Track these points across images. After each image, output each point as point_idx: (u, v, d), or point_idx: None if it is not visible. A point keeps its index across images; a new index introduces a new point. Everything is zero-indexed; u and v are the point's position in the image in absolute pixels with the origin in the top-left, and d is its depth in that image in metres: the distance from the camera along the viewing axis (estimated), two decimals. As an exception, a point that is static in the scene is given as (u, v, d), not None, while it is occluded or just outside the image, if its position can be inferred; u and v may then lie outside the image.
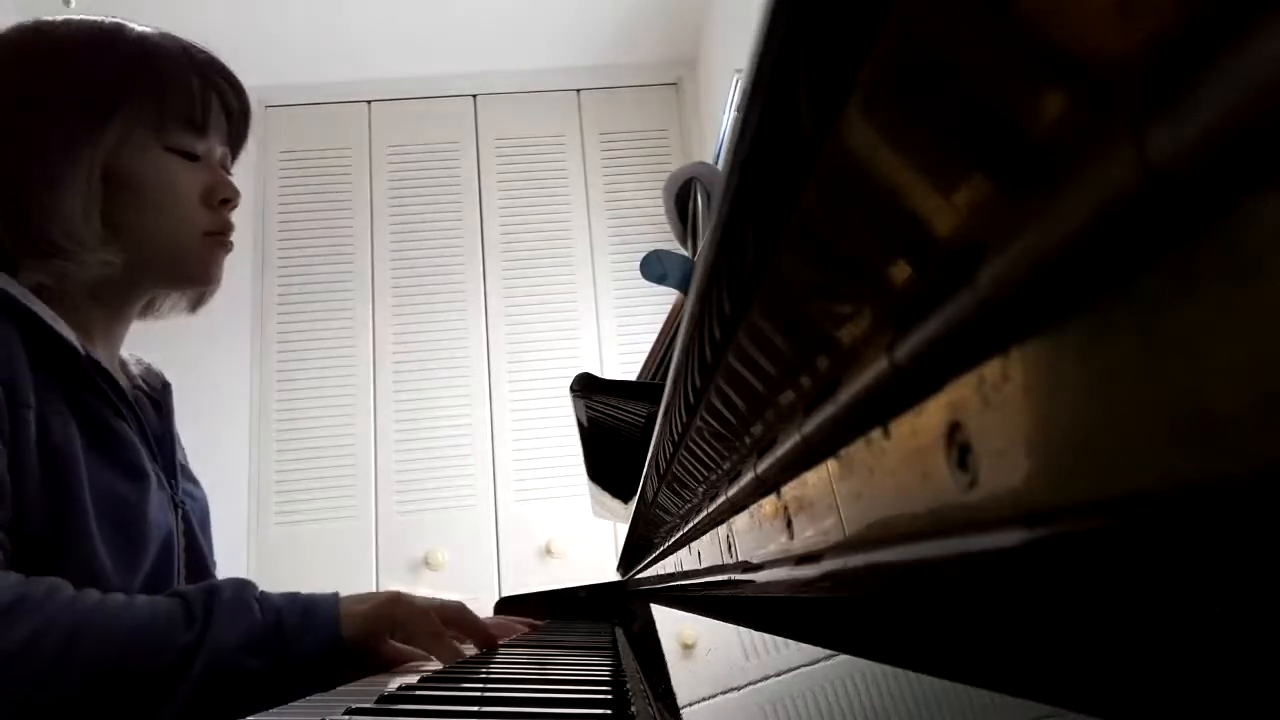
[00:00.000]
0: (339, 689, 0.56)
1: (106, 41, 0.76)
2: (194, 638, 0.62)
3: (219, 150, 0.81)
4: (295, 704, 0.48)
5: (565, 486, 2.52)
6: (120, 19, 0.78)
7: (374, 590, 0.78)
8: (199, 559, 0.83)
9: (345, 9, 2.57)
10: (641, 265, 0.61)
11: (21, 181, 0.71)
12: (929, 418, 0.14)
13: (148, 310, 0.87)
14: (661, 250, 0.62)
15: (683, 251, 0.64)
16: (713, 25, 2.59)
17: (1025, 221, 0.10)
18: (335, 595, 0.73)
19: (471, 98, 2.87)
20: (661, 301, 2.26)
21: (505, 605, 1.27)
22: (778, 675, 0.31)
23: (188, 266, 0.78)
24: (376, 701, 0.46)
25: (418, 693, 0.51)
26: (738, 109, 0.16)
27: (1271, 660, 0.08)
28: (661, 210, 0.64)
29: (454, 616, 0.80)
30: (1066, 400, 0.10)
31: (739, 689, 0.36)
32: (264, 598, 0.68)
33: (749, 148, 0.16)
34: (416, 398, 2.63)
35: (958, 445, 0.13)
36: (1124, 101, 0.08)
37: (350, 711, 0.43)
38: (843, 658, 0.25)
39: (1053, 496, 0.11)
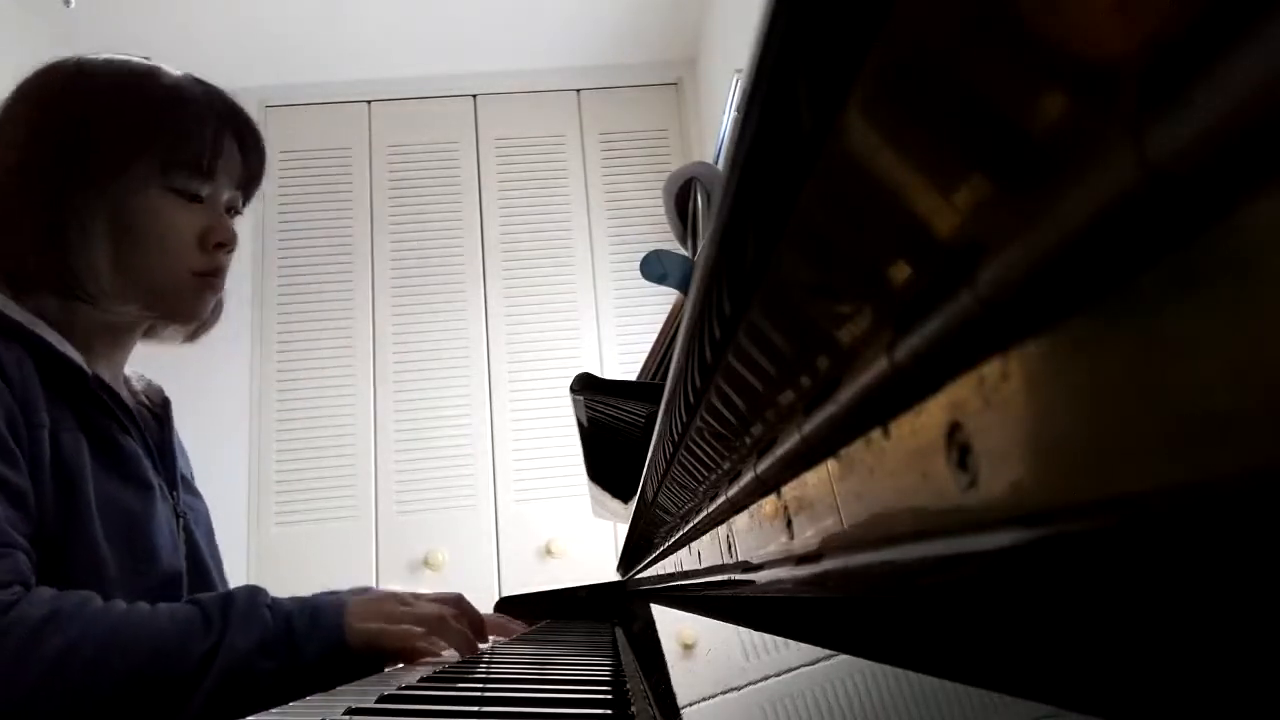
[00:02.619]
0: (339, 689, 0.56)
1: (135, 86, 0.78)
2: (211, 644, 0.66)
3: (226, 193, 0.82)
4: (295, 704, 0.48)
5: (565, 486, 2.52)
6: (153, 63, 0.80)
7: (377, 589, 0.80)
8: (201, 567, 0.87)
9: (345, 9, 2.57)
10: (641, 265, 0.61)
11: (56, 221, 0.74)
12: (929, 418, 0.14)
13: (148, 334, 0.89)
14: (661, 250, 0.62)
15: (683, 251, 0.64)
16: (713, 25, 2.59)
17: (1025, 221, 0.10)
18: (342, 600, 0.76)
19: (471, 98, 2.87)
20: (661, 301, 2.26)
21: (505, 605, 1.27)
22: (778, 675, 0.31)
23: (173, 303, 0.80)
24: (376, 701, 0.46)
25: (418, 693, 0.51)
26: (738, 109, 0.16)
27: (1271, 660, 0.08)
28: (661, 210, 0.64)
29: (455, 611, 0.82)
30: (1066, 400, 0.10)
31: (739, 689, 0.36)
32: (275, 603, 0.72)
33: (749, 148, 0.16)
34: (416, 398, 2.62)
35: (958, 445, 0.13)
36: (1124, 101, 0.08)
37: (350, 711, 0.43)
38: (843, 658, 0.25)
39: (1052, 497, 0.11)
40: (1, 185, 0.75)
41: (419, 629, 0.75)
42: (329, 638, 0.72)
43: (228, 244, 0.82)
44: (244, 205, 0.86)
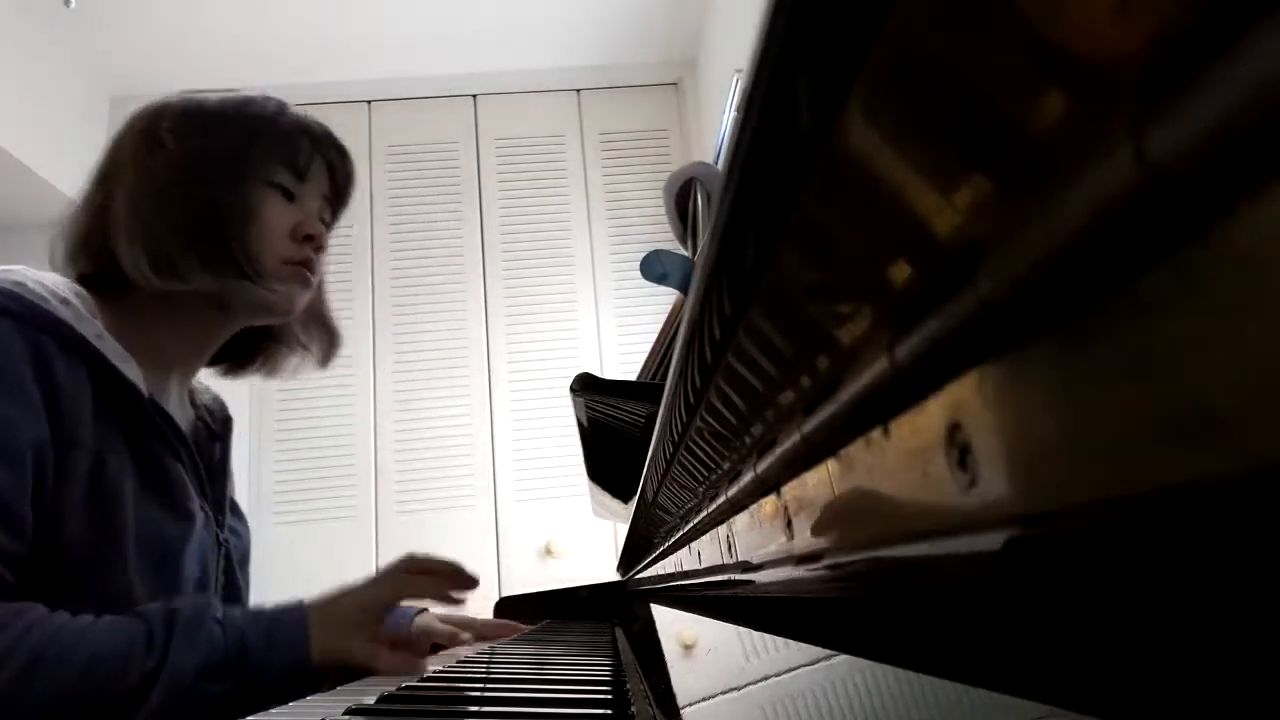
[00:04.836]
0: (339, 689, 0.57)
1: (252, 103, 0.89)
2: (153, 665, 0.61)
3: (316, 202, 0.90)
4: (295, 704, 0.48)
5: (565, 486, 2.52)
6: (257, 92, 0.93)
7: (346, 586, 0.76)
8: (236, 597, 0.86)
9: (345, 9, 2.57)
10: (641, 265, 0.61)
11: (215, 214, 0.80)
12: (929, 418, 0.14)
13: (270, 369, 0.96)
14: (661, 250, 0.62)
15: (683, 251, 0.63)
16: (713, 25, 2.59)
17: (1025, 221, 0.10)
18: (303, 613, 0.70)
19: (471, 98, 2.87)
20: (661, 301, 2.25)
21: (505, 605, 1.27)
22: (778, 675, 0.31)
23: (267, 292, 0.83)
24: (377, 701, 0.47)
25: (418, 693, 0.51)
26: (738, 109, 0.16)
27: (1271, 660, 0.08)
28: (661, 210, 0.64)
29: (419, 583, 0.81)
30: (1066, 400, 0.10)
31: (739, 689, 0.36)
32: (226, 618, 0.67)
33: (749, 148, 0.16)
34: (416, 398, 2.62)
35: (958, 445, 0.13)
36: (1124, 101, 0.08)
37: (350, 711, 0.43)
38: (843, 658, 0.25)
39: (1052, 497, 0.11)
40: (160, 189, 0.79)
41: (386, 650, 0.70)
42: (291, 658, 0.67)
43: (316, 237, 0.87)
44: (331, 221, 0.94)
